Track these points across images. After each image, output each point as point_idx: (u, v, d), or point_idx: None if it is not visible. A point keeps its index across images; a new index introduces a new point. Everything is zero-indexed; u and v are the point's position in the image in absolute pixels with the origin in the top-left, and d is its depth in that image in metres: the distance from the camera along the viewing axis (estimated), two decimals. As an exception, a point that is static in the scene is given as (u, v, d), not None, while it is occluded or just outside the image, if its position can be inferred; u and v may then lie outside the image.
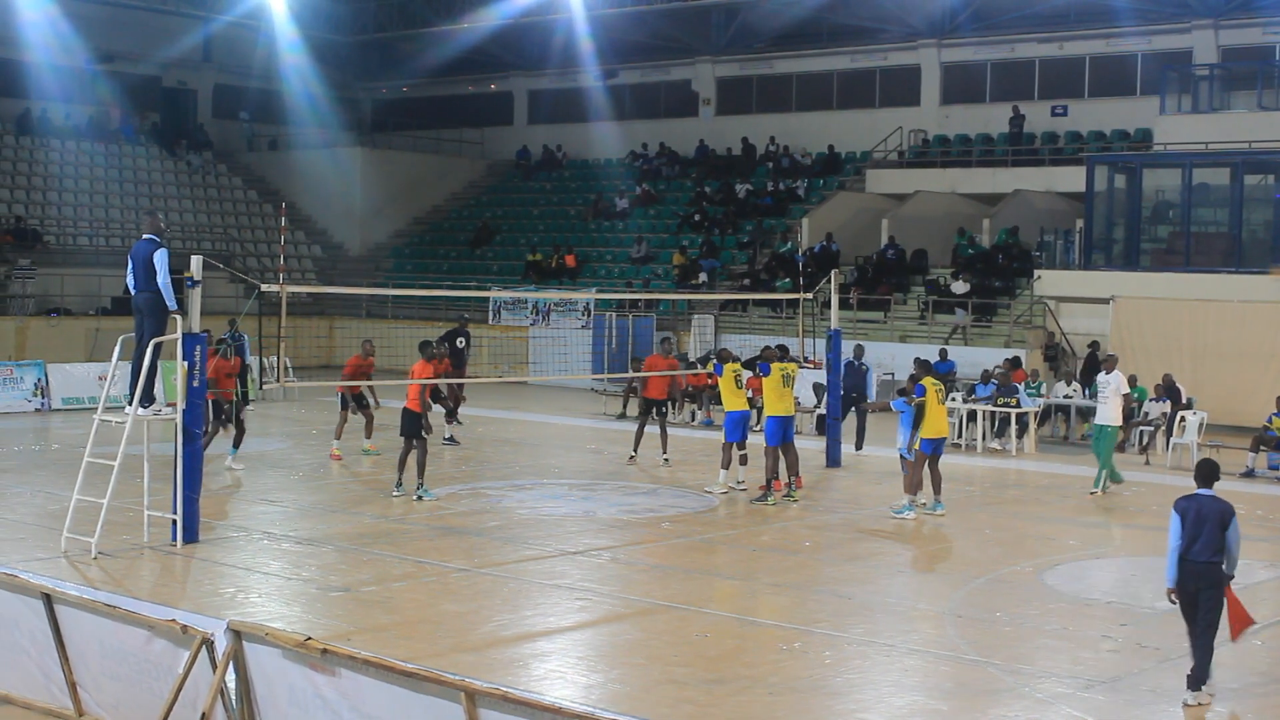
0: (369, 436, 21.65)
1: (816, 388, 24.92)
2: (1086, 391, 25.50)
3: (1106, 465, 19.36)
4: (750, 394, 27.72)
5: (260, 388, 27.74)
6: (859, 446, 22.94)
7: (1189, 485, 10.23)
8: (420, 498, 17.51)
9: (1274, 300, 27.01)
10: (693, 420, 27.07)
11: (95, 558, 13.77)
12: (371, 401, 21.86)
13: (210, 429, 19.23)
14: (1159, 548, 16.23)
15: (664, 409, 22.14)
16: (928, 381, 17.34)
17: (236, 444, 19.97)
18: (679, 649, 11.17)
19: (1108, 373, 19.75)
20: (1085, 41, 37.96)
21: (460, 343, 24.66)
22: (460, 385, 23.76)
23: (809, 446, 22.48)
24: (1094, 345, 28.41)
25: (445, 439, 22.77)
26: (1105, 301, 28.88)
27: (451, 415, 23.14)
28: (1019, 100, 38.28)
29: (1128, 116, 36.30)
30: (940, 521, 17.15)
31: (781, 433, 18.08)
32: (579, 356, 31.24)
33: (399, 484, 17.83)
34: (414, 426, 17.53)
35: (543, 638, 11.65)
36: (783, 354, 19.41)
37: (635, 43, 44.06)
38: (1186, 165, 30.20)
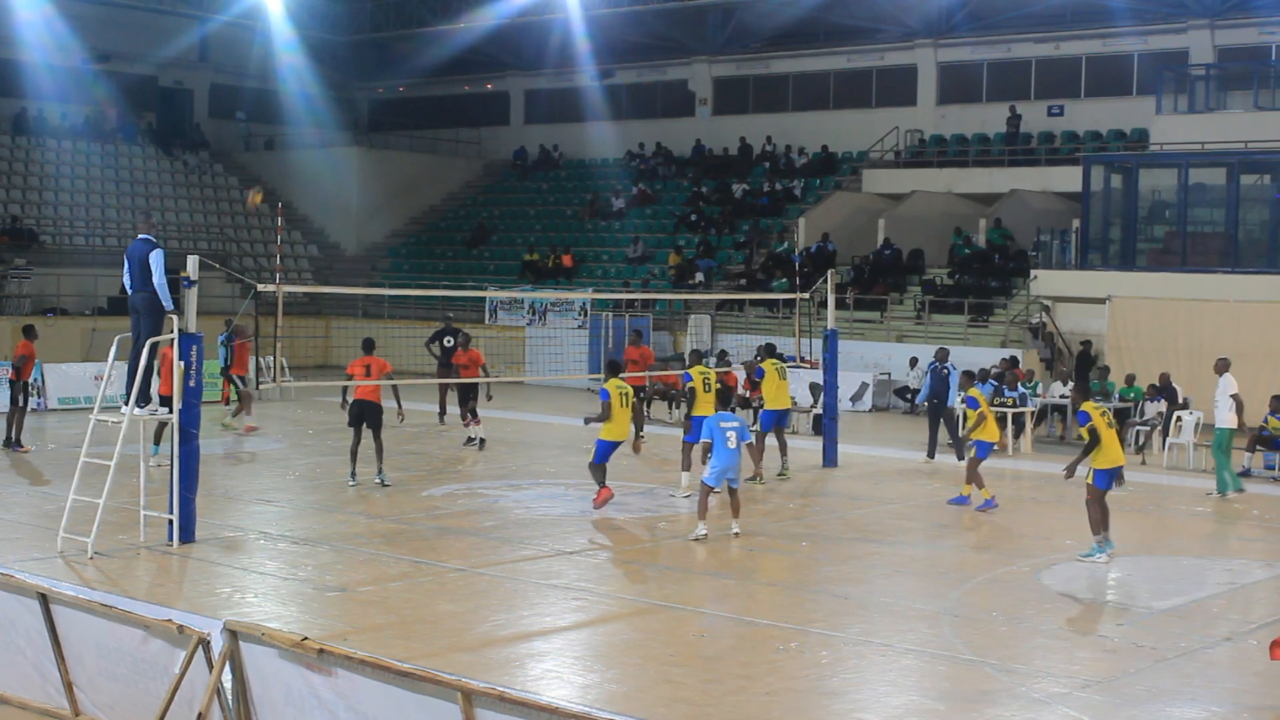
0: (237, 416, 23.92)
1: (813, 387, 24.88)
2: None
3: (1224, 469, 19.02)
4: (747, 394, 27.75)
5: (257, 387, 27.68)
6: (960, 456, 21.17)
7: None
8: (384, 483, 18.31)
9: (1270, 300, 27.04)
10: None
11: (91, 557, 13.74)
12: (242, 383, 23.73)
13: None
14: (1155, 547, 16.30)
15: (640, 393, 22.71)
16: (1090, 406, 14.76)
17: (157, 440, 19.50)
18: (675, 649, 11.17)
19: (1219, 375, 19.31)
20: (1081, 41, 38.00)
21: (448, 342, 24.59)
22: (451, 385, 23.79)
23: (805, 446, 22.51)
24: (1086, 344, 28.43)
25: (468, 440, 22.95)
26: (1101, 301, 28.90)
27: (473, 414, 23.21)
28: (1015, 100, 38.33)
29: (1124, 116, 36.33)
30: (937, 521, 17.17)
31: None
32: (575, 356, 31.21)
33: (353, 474, 18.43)
34: (377, 418, 18.30)
35: (539, 637, 11.65)
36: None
37: (632, 42, 44.07)
38: (1183, 165, 30.21)
